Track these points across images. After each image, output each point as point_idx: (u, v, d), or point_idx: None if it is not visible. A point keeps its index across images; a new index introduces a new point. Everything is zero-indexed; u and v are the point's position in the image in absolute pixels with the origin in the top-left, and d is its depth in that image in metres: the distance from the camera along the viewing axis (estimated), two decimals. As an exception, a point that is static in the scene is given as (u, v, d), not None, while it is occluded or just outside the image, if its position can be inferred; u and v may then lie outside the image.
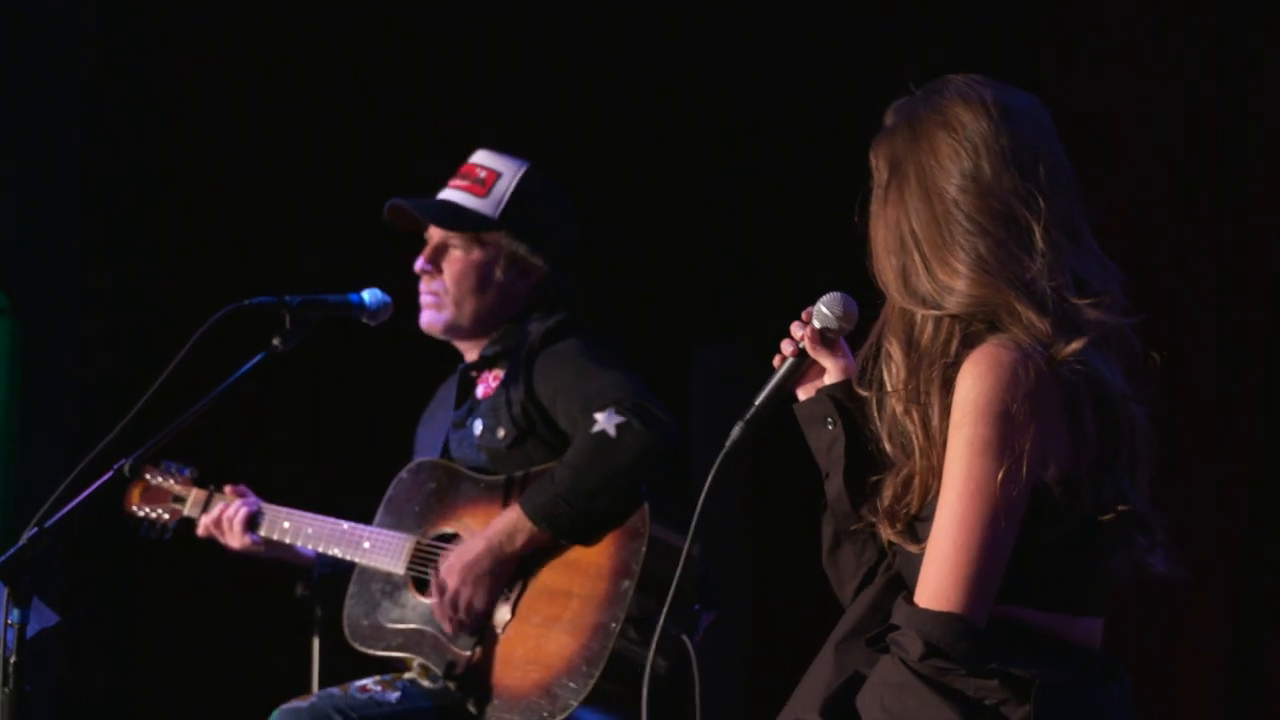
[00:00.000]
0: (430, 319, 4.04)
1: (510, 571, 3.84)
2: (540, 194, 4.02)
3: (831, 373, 2.77)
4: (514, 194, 4.01)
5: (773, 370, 2.78)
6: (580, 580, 3.79)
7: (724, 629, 4.24)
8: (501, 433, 3.94)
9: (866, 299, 2.71)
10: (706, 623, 3.81)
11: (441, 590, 3.84)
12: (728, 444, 2.75)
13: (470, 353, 4.08)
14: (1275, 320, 4.74)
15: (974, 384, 2.51)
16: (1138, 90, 4.91)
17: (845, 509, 2.71)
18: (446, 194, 4.06)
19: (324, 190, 5.30)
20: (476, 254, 4.01)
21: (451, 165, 4.11)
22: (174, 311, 4.86)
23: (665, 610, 2.84)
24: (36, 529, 3.16)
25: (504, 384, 3.96)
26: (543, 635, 3.79)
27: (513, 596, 3.85)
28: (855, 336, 2.75)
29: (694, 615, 3.76)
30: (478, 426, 3.98)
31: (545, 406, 3.91)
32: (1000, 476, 2.48)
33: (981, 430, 2.49)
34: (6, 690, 3.05)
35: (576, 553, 3.81)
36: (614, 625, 3.71)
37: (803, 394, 2.78)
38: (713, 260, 5.55)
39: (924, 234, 2.59)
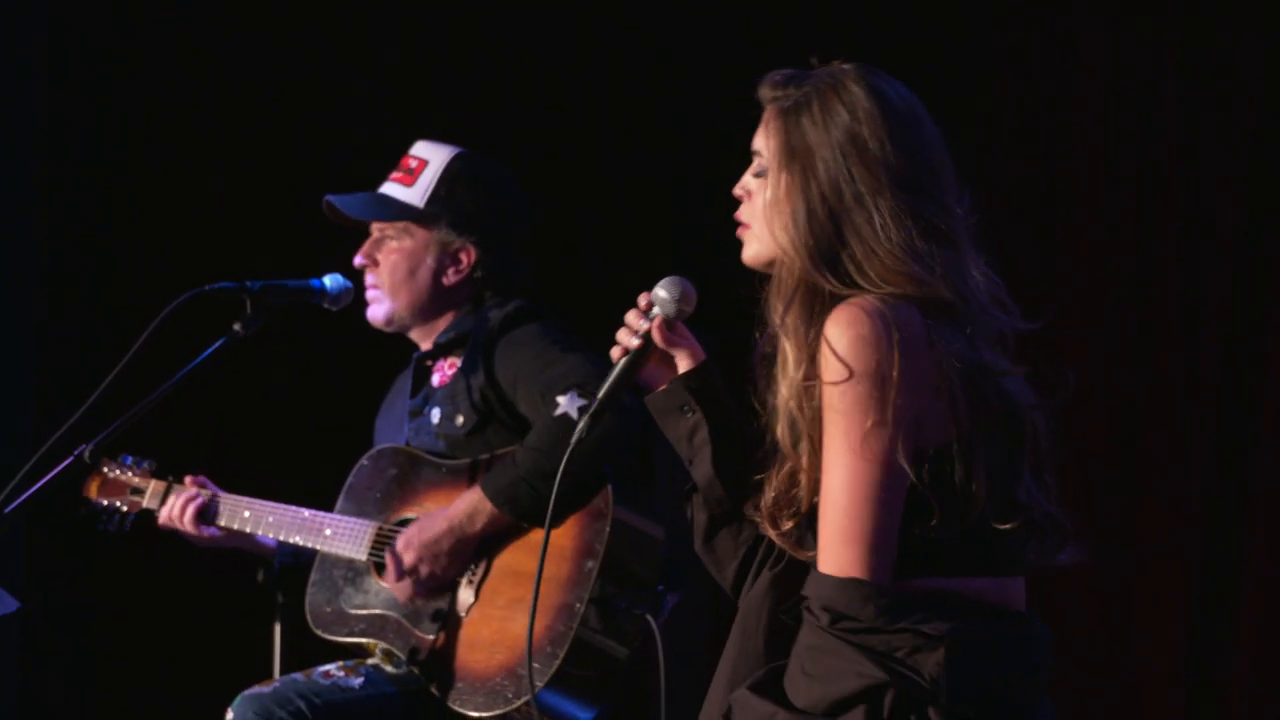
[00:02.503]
0: (372, 312, 4.06)
1: (470, 552, 3.84)
2: (469, 178, 4.02)
3: (680, 358, 2.76)
4: (439, 181, 4.02)
5: (612, 363, 2.76)
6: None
7: (689, 610, 4.25)
8: (460, 420, 3.94)
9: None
10: (671, 604, 3.82)
11: (398, 564, 3.84)
12: (573, 439, 2.75)
13: (424, 341, 4.08)
14: (1235, 317, 4.75)
15: (835, 344, 2.51)
16: (1097, 106, 4.92)
17: (718, 494, 2.72)
18: (384, 186, 4.08)
19: (286, 176, 5.28)
20: (406, 243, 4.02)
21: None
22: (137, 297, 4.84)
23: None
24: (-4, 516, 3.15)
25: (461, 371, 3.97)
26: (507, 617, 3.80)
27: (476, 579, 3.85)
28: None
29: (658, 596, 3.78)
30: (435, 414, 3.98)
31: (506, 392, 3.91)
32: (871, 427, 2.48)
33: (849, 390, 2.49)
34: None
35: (538, 535, 3.81)
36: (578, 606, 3.72)
37: (652, 384, 2.77)
38: (683, 249, 5.55)
39: (849, 224, 2.57)
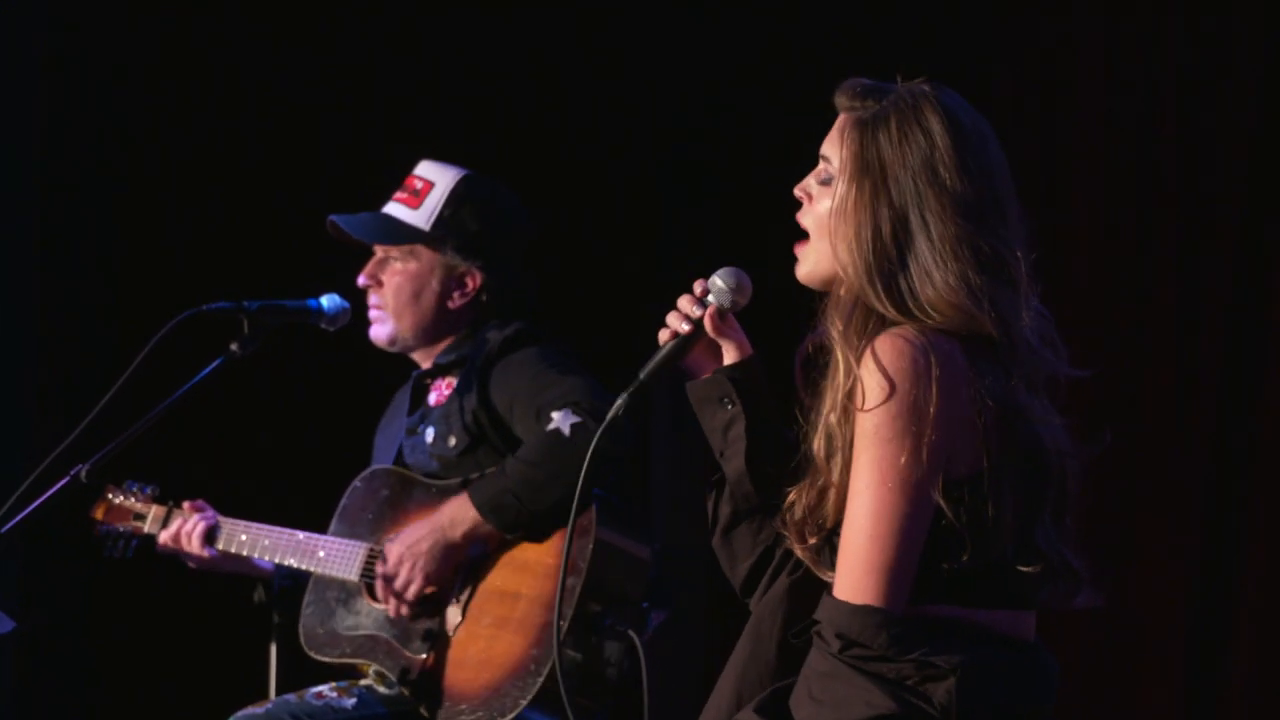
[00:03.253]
0: (375, 333, 4.08)
1: (455, 559, 3.85)
2: (476, 202, 4.03)
3: (727, 350, 2.75)
4: (445, 203, 4.03)
5: (658, 345, 2.74)
6: (529, 581, 3.81)
7: (678, 628, 4.26)
8: (453, 440, 3.95)
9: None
10: (656, 622, 3.83)
11: (384, 573, 3.85)
12: (609, 415, 2.73)
13: (425, 361, 4.10)
14: (1234, 321, 4.75)
15: (875, 373, 2.50)
16: (1096, 111, 4.92)
17: (747, 489, 2.71)
18: (388, 207, 4.09)
19: (285, 195, 5.29)
20: (411, 266, 4.04)
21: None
22: (135, 316, 4.84)
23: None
24: (-8, 535, 3.15)
25: (457, 391, 3.98)
26: (493, 636, 3.81)
27: (463, 599, 3.87)
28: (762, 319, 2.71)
29: (643, 614, 3.79)
30: (430, 434, 3.99)
31: (501, 414, 3.92)
32: (904, 462, 2.48)
33: (884, 418, 2.49)
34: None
35: (525, 553, 3.83)
36: (562, 624, 3.73)
37: (695, 372, 2.76)
38: (678, 264, 5.56)
39: (911, 248, 2.56)
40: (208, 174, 5.38)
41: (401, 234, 4.03)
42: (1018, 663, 2.58)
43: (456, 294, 4.04)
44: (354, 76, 5.46)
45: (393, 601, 3.86)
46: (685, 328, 2.73)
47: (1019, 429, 2.54)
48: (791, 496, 2.63)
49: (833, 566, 2.57)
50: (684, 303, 2.74)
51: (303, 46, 5.39)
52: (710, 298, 2.73)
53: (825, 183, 2.65)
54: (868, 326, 2.58)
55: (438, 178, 4.06)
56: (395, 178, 4.14)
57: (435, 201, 4.03)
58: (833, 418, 2.57)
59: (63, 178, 5.27)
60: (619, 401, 2.72)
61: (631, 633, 3.73)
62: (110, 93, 5.32)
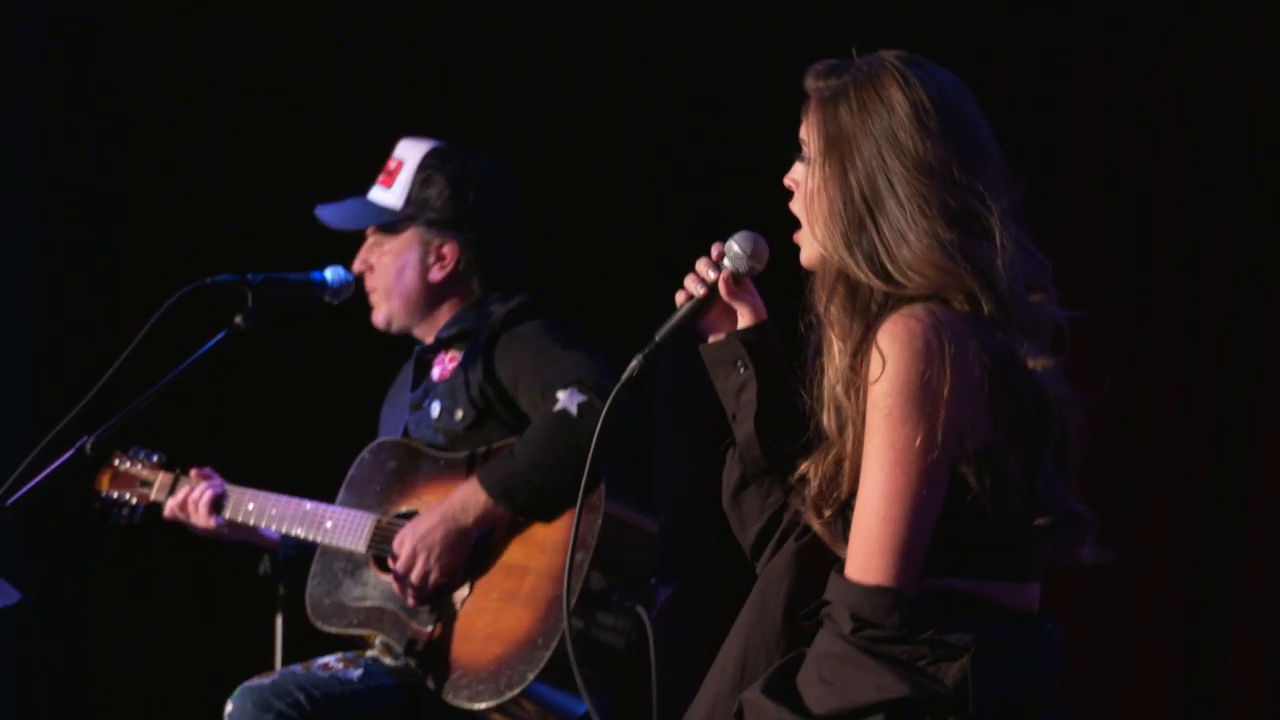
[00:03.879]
0: (374, 317, 4.11)
1: (468, 545, 3.86)
2: (444, 173, 4.03)
3: (742, 314, 2.75)
4: (414, 180, 4.04)
5: (674, 307, 2.75)
6: (537, 555, 3.81)
7: (684, 604, 4.26)
8: (459, 414, 3.96)
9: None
10: (664, 597, 3.84)
11: (396, 561, 3.86)
12: (624, 375, 2.73)
13: (427, 337, 4.10)
14: (1232, 321, 4.75)
15: (887, 355, 2.51)
16: (1096, 90, 4.92)
17: (755, 454, 2.72)
18: (371, 190, 4.11)
19: (288, 167, 5.29)
20: (391, 246, 4.06)
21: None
22: (139, 289, 4.84)
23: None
24: (-3, 508, 3.15)
25: (462, 366, 3.98)
26: (501, 610, 3.81)
27: (471, 573, 3.87)
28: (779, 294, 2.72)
29: (650, 589, 3.79)
30: (435, 408, 4.00)
31: (506, 388, 3.92)
32: (919, 443, 2.48)
33: (898, 400, 2.49)
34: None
35: (533, 528, 3.83)
36: (570, 598, 3.73)
37: (710, 335, 2.76)
38: (682, 241, 5.56)
39: (882, 213, 2.57)
40: (213, 145, 5.38)
41: (376, 216, 4.06)
42: (1027, 637, 2.58)
43: (435, 267, 4.04)
44: (363, 50, 5.45)
45: (409, 593, 3.86)
46: (700, 290, 2.74)
47: (1018, 380, 2.54)
48: (805, 468, 2.64)
49: (845, 539, 2.57)
50: (700, 265, 2.75)
51: (310, 20, 5.39)
52: (726, 261, 2.74)
53: (805, 167, 2.66)
54: (856, 299, 2.59)
55: (409, 154, 4.08)
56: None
57: (406, 179, 4.05)
58: (839, 390, 2.58)
59: (63, 150, 5.27)
60: (634, 362, 2.73)
61: (639, 609, 3.74)
62: (112, 65, 5.32)
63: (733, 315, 2.76)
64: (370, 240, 4.10)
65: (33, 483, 3.20)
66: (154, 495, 4.14)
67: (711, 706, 2.65)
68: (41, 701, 5.21)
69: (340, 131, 5.33)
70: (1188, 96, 4.79)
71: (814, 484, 2.61)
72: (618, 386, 2.73)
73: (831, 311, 2.60)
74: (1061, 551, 2.63)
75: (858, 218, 2.58)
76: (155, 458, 4.18)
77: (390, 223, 4.05)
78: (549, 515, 3.81)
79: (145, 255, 5.29)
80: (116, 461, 4.16)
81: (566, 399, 3.77)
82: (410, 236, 4.05)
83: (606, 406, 2.74)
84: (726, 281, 2.73)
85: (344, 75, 5.44)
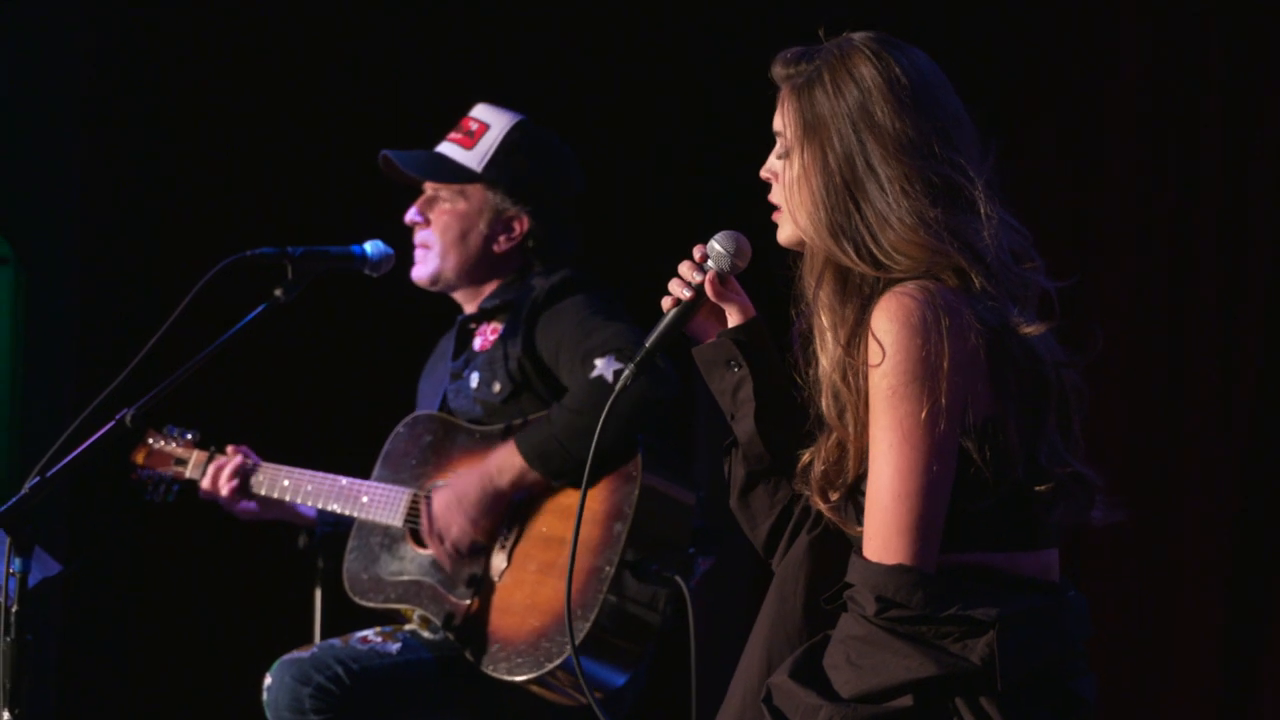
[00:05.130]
0: (418, 271, 4.07)
1: (503, 509, 3.86)
2: (529, 147, 4.02)
3: (730, 313, 2.75)
4: (500, 147, 4.02)
5: (662, 312, 2.76)
6: (572, 525, 3.80)
7: (726, 575, 4.25)
8: (497, 386, 3.95)
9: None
10: (703, 568, 3.83)
11: (431, 524, 3.86)
12: (617, 387, 2.74)
13: (469, 305, 4.09)
14: (1275, 302, 4.71)
15: (885, 333, 2.51)
16: (1139, 72, 4.88)
17: (758, 450, 2.72)
18: (441, 146, 4.07)
19: (328, 140, 5.28)
20: (461, 205, 4.03)
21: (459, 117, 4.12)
22: (180, 262, 4.85)
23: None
24: (38, 478, 3.16)
25: (502, 338, 3.98)
26: (539, 582, 3.81)
27: (509, 544, 3.87)
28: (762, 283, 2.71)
29: (689, 559, 3.78)
30: (474, 379, 3.99)
31: (546, 362, 3.92)
32: (924, 418, 2.48)
33: (899, 378, 2.49)
34: (8, 640, 3.05)
35: (570, 499, 3.83)
36: (608, 569, 3.73)
37: (699, 337, 2.77)
38: (718, 219, 5.54)
39: (864, 197, 2.57)
40: (252, 120, 5.37)
41: (454, 173, 4.02)
42: (1050, 607, 2.57)
43: (503, 237, 4.03)
44: (404, 23, 5.44)
45: (440, 548, 3.87)
46: (686, 294, 2.75)
47: (1013, 348, 2.54)
48: (806, 457, 2.64)
49: (858, 521, 2.57)
50: (684, 269, 2.76)
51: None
52: (710, 263, 2.74)
53: (783, 157, 2.66)
54: (846, 282, 2.59)
55: (493, 120, 4.05)
56: (446, 123, 4.13)
57: (489, 144, 4.02)
58: (836, 377, 2.58)
59: (107, 123, 5.27)
60: (626, 371, 2.75)
61: (679, 579, 3.73)
62: (156, 35, 5.32)
63: (721, 315, 2.77)
64: (430, 194, 4.07)
65: (71, 455, 3.19)
66: (189, 473, 4.15)
67: (740, 710, 2.65)
68: (84, 673, 5.23)
69: (381, 106, 5.32)
70: (1230, 87, 4.76)
71: (818, 468, 2.61)
72: (611, 399, 2.74)
73: (821, 297, 2.61)
74: (1072, 515, 2.62)
75: (841, 204, 2.58)
76: (190, 435, 4.18)
77: (463, 183, 4.03)
78: (579, 483, 3.80)
79: (186, 228, 5.29)
80: (151, 440, 4.17)
81: (604, 366, 3.77)
82: (483, 200, 4.02)
83: (601, 420, 2.75)
84: (713, 282, 2.73)
85: (382, 52, 5.42)
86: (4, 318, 5.13)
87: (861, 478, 2.57)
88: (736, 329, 2.73)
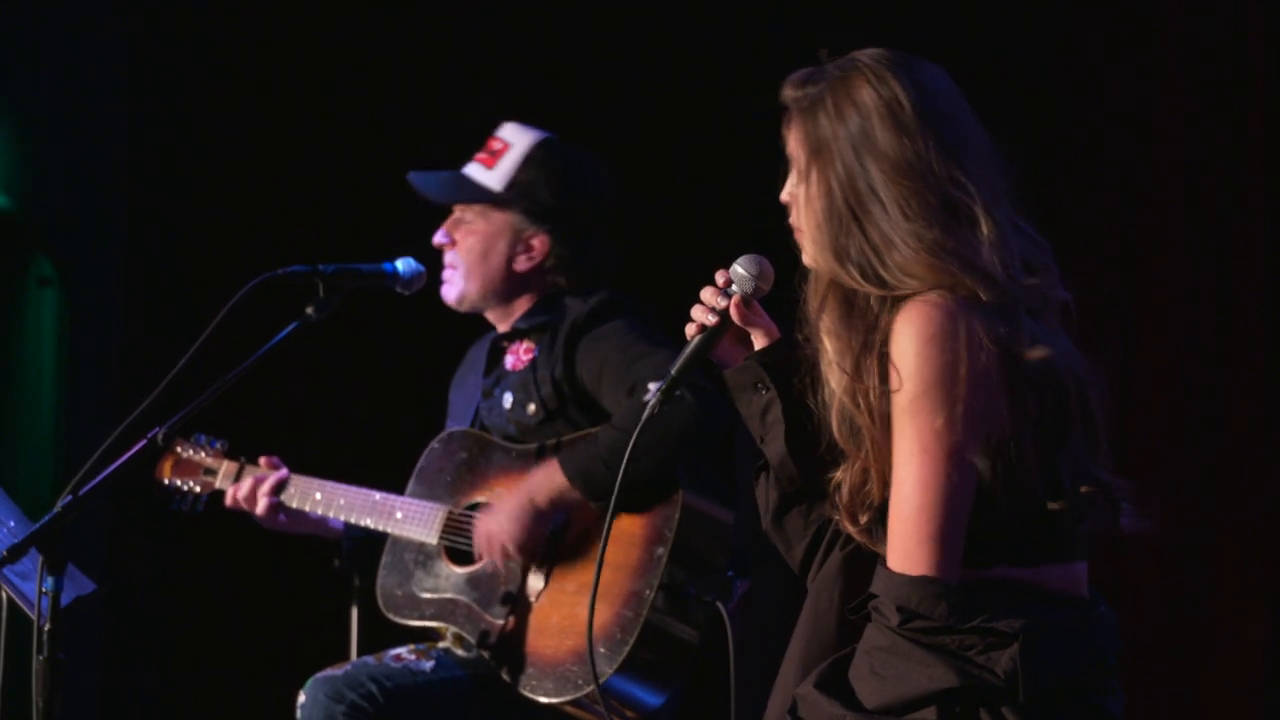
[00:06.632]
0: (446, 292, 4.07)
1: (545, 527, 3.83)
2: (549, 167, 4.01)
3: (755, 336, 2.75)
4: (520, 167, 4.01)
5: (686, 339, 2.75)
6: (614, 548, 3.78)
7: (763, 596, 4.22)
8: (532, 408, 3.94)
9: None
10: (741, 590, 3.81)
11: (476, 539, 3.84)
12: (644, 415, 2.74)
13: (502, 325, 4.08)
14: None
15: (907, 343, 2.50)
16: (1184, 75, 4.85)
17: (790, 473, 2.71)
18: (468, 166, 4.07)
19: (363, 160, 5.30)
20: (483, 226, 4.03)
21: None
22: (222, 282, 4.86)
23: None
24: (71, 497, 3.17)
25: (538, 360, 3.96)
26: (576, 603, 3.79)
27: (546, 566, 3.85)
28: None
29: (727, 582, 3.76)
30: (507, 399, 3.98)
31: (587, 387, 3.90)
32: (941, 427, 2.48)
33: (920, 388, 2.49)
34: (41, 658, 3.06)
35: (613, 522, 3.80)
36: (648, 593, 3.71)
37: (725, 361, 2.76)
38: (759, 235, 5.52)
39: (868, 219, 2.56)
40: (292, 141, 5.40)
41: (472, 193, 4.03)
42: (1078, 621, 2.56)
43: (523, 257, 4.02)
44: (438, 38, 5.45)
45: (496, 564, 3.85)
46: (712, 320, 2.74)
47: (1027, 364, 2.52)
48: (836, 478, 2.63)
49: (885, 540, 2.55)
50: (708, 295, 2.75)
51: (388, 9, 5.40)
52: (734, 287, 2.73)
53: (798, 182, 2.66)
54: (853, 309, 2.58)
55: (517, 140, 4.05)
56: (481, 141, 4.13)
57: (511, 164, 4.02)
58: (846, 400, 2.57)
59: (150, 146, 5.31)
60: (652, 401, 2.75)
61: (718, 603, 3.71)
62: (198, 58, 5.35)
63: (746, 339, 2.76)
64: (457, 215, 4.06)
65: (103, 474, 3.20)
66: (219, 483, 4.13)
67: None
68: (121, 689, 5.25)
69: (413, 124, 5.33)
70: (1274, 80, 4.72)
71: (845, 491, 2.61)
72: (639, 427, 2.74)
73: (825, 322, 2.60)
74: (1100, 526, 2.60)
75: (845, 226, 2.57)
76: (218, 444, 4.17)
77: (483, 204, 4.03)
78: (625, 503, 3.78)
79: (231, 248, 5.31)
80: (179, 449, 4.14)
81: (656, 389, 3.74)
82: (504, 221, 4.02)
83: (627, 454, 2.77)
84: (738, 306, 2.73)
85: (412, 67, 5.43)
86: (49, 339, 5.17)
87: (888, 500, 2.55)
88: (763, 352, 2.73)
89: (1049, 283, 2.60)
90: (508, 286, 4.03)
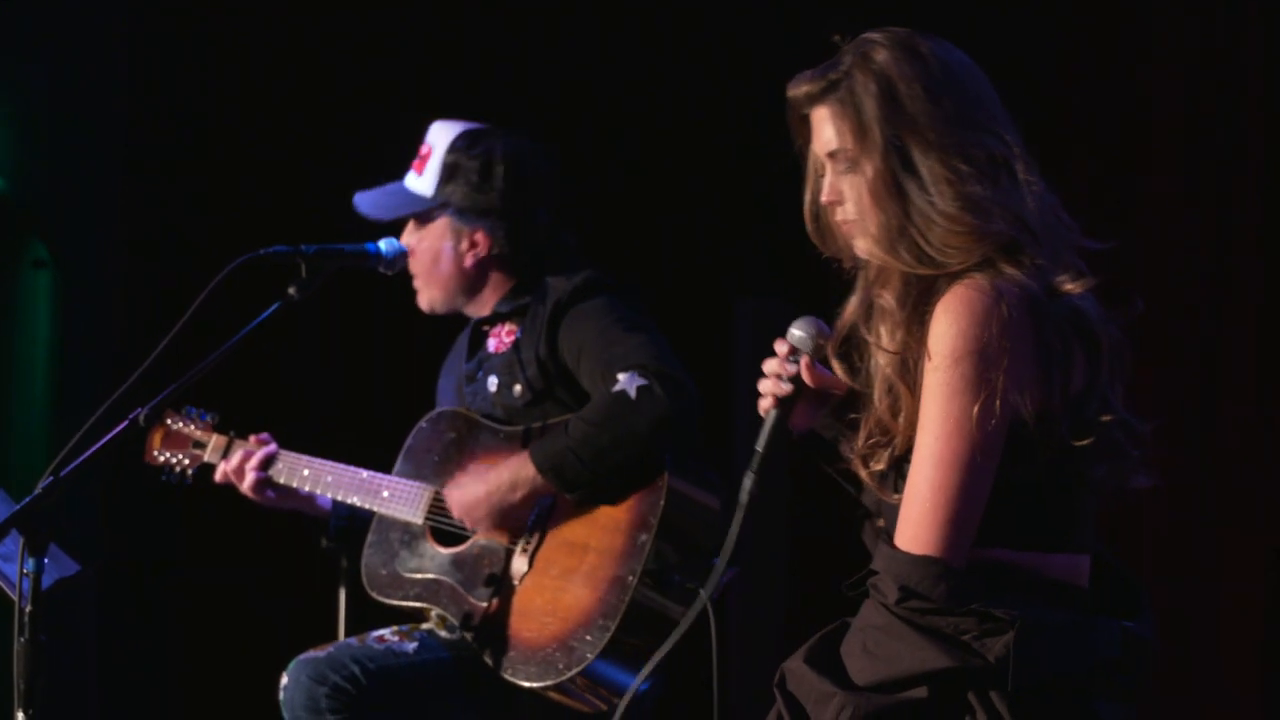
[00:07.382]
0: (419, 301, 4.07)
1: (516, 519, 3.83)
2: (469, 162, 3.97)
3: (830, 390, 2.72)
4: (442, 168, 3.99)
5: (761, 416, 2.72)
6: (598, 533, 3.78)
7: (755, 585, 4.21)
8: (518, 390, 3.93)
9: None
10: (726, 579, 3.78)
11: (463, 518, 3.84)
12: (742, 498, 2.70)
13: (479, 312, 4.06)
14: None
15: (948, 326, 2.50)
16: (1181, 79, 4.84)
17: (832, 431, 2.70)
18: (407, 175, 4.06)
19: (354, 145, 5.30)
20: (425, 234, 4.02)
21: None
22: (217, 265, 4.86)
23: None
24: (52, 478, 3.16)
25: (521, 341, 3.94)
26: (560, 588, 3.78)
27: (530, 548, 3.84)
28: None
29: (712, 569, 3.74)
30: (492, 383, 3.97)
31: (568, 365, 3.89)
32: (976, 414, 2.47)
33: (957, 371, 2.48)
34: (22, 640, 3.06)
35: (595, 506, 3.80)
36: (631, 579, 3.70)
37: (799, 426, 2.74)
38: (751, 212, 5.52)
39: (908, 200, 2.56)
40: (284, 126, 5.40)
41: (407, 204, 4.02)
42: (1080, 624, 2.54)
43: (469, 255, 4.00)
44: (430, 29, 5.45)
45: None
46: (786, 388, 2.71)
47: (1057, 309, 2.52)
48: (863, 432, 2.61)
49: (897, 490, 2.55)
50: (774, 365, 2.72)
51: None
52: (802, 353, 2.71)
53: (848, 172, 2.63)
54: (909, 287, 2.57)
55: (438, 140, 4.02)
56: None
57: (435, 166, 4.00)
58: (889, 371, 2.57)
59: (144, 128, 5.32)
60: (747, 483, 2.70)
61: (701, 590, 3.69)
62: (192, 42, 5.35)
63: (815, 401, 2.73)
64: (410, 225, 4.05)
65: (84, 455, 3.19)
66: (207, 456, 4.11)
67: None
68: (110, 674, 5.25)
69: (396, 107, 5.33)
70: (1272, 55, 4.71)
71: (861, 436, 2.60)
72: (740, 513, 2.70)
73: (885, 298, 2.59)
74: (1116, 473, 2.58)
75: (889, 204, 2.57)
76: (208, 417, 4.15)
77: (416, 213, 4.01)
78: (596, 496, 3.78)
79: (225, 230, 5.31)
80: (169, 421, 4.12)
81: (626, 381, 3.74)
82: (442, 225, 4.00)
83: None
84: (810, 369, 2.70)
85: (399, 51, 5.43)
86: (43, 321, 5.17)
87: (909, 452, 2.54)
88: (840, 404, 2.70)
89: (1072, 232, 2.61)
90: (468, 283, 4.02)
